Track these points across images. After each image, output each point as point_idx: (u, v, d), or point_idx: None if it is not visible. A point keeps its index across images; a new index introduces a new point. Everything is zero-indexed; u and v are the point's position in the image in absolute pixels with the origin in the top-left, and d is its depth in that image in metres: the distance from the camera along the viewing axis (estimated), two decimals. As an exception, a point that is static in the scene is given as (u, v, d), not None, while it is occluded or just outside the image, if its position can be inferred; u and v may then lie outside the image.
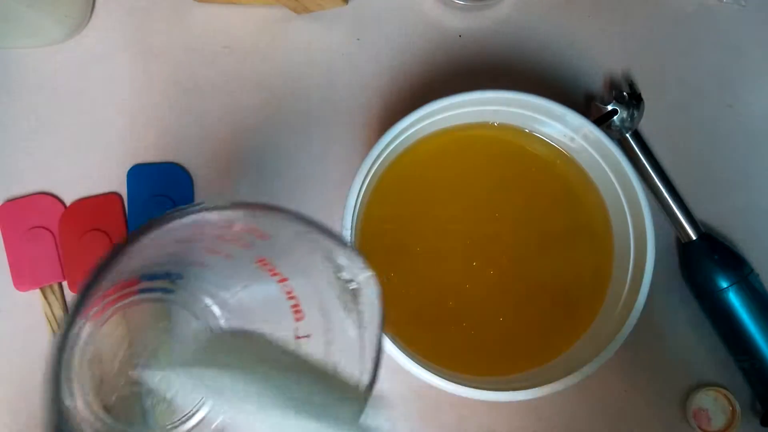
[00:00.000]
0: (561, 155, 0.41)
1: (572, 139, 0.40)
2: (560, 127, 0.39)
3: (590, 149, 0.39)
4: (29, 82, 0.46)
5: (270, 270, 0.25)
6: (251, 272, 0.26)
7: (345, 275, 0.22)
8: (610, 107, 0.43)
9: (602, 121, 0.43)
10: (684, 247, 0.43)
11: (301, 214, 0.21)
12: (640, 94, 0.43)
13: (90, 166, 0.45)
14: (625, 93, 0.43)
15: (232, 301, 0.28)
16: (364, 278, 0.22)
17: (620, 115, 0.43)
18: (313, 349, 0.24)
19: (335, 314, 0.23)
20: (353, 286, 0.22)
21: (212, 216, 0.20)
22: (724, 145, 0.45)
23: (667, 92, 0.46)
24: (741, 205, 0.45)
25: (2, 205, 0.45)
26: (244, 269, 0.26)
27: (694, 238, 0.42)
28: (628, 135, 0.43)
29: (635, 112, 0.43)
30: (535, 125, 0.40)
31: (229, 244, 0.24)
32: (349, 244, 0.22)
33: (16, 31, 0.44)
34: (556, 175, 0.41)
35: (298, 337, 0.25)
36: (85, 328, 0.29)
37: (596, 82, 0.46)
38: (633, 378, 0.43)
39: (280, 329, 0.25)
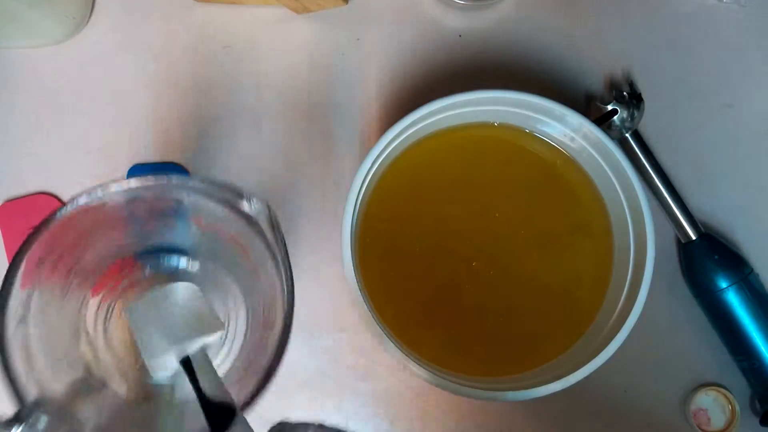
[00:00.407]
0: (561, 155, 0.41)
1: (572, 139, 0.40)
2: (560, 127, 0.39)
3: (590, 149, 0.39)
4: (29, 82, 0.46)
5: (207, 226, 0.30)
6: (194, 232, 0.31)
7: (246, 212, 0.26)
8: (610, 107, 0.43)
9: (602, 120, 0.43)
10: (684, 247, 0.43)
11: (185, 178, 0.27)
12: (640, 94, 0.43)
13: (90, 166, 0.45)
14: (625, 93, 0.43)
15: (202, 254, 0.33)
16: (257, 211, 0.26)
17: (620, 115, 0.43)
18: (263, 282, 0.28)
19: (260, 252, 0.27)
20: (257, 220, 0.26)
21: (118, 196, 0.26)
22: (724, 145, 0.45)
23: (667, 92, 0.46)
24: (741, 205, 0.45)
25: (2, 205, 0.45)
26: (187, 230, 0.31)
27: (694, 238, 0.42)
28: (628, 135, 0.43)
29: (635, 112, 0.43)
30: (535, 125, 0.40)
31: (159, 215, 0.29)
32: (241, 191, 0.26)
33: (16, 31, 0.44)
34: (556, 175, 0.41)
35: (252, 273, 0.29)
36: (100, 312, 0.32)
37: (596, 82, 0.46)
38: (633, 378, 0.43)
39: (242, 267, 0.30)
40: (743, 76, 0.46)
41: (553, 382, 0.35)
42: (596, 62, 0.46)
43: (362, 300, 0.35)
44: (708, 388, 0.42)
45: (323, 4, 0.45)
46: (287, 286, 0.26)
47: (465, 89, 0.37)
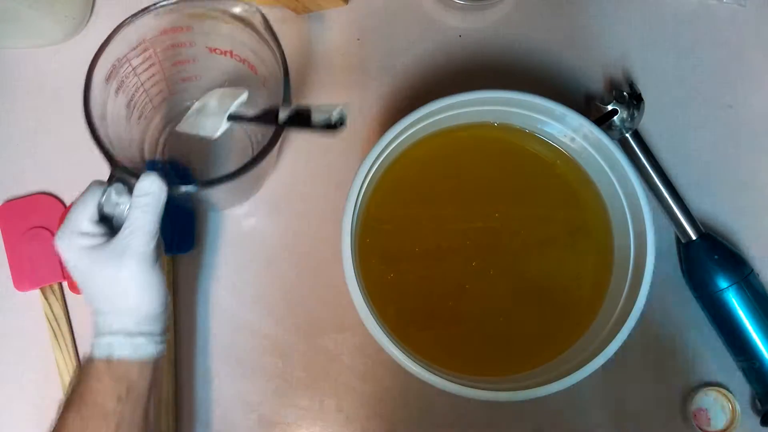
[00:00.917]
0: (561, 155, 0.41)
1: (572, 140, 0.40)
2: (560, 127, 0.39)
3: (590, 149, 0.39)
4: (29, 82, 0.46)
5: (220, 52, 0.38)
6: (211, 61, 0.39)
7: (242, 15, 0.35)
8: (610, 107, 0.43)
9: (603, 120, 0.43)
10: (684, 247, 0.43)
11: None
12: (640, 94, 0.43)
13: (90, 166, 0.45)
14: (625, 93, 0.43)
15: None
16: (251, 12, 0.34)
17: (620, 115, 0.43)
18: (269, 86, 0.37)
19: (262, 51, 0.36)
20: (253, 21, 0.35)
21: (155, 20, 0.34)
22: (724, 145, 0.45)
23: (667, 92, 0.46)
24: (741, 205, 0.45)
25: (2, 205, 0.45)
26: (205, 62, 0.39)
27: (694, 237, 0.42)
28: (628, 135, 0.43)
29: (635, 112, 0.43)
30: (535, 125, 0.40)
31: (182, 48, 0.38)
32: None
33: (16, 31, 0.44)
34: (556, 175, 0.41)
35: (263, 84, 0.38)
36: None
37: (596, 82, 0.46)
38: (633, 378, 0.43)
39: (252, 86, 0.38)
40: (743, 76, 0.46)
41: (553, 382, 0.35)
42: (596, 62, 0.46)
43: (362, 300, 0.35)
44: (708, 388, 0.42)
45: (323, 4, 0.45)
46: (280, 58, 0.35)
47: (465, 89, 0.37)
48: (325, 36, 0.46)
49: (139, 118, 0.39)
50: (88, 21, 0.47)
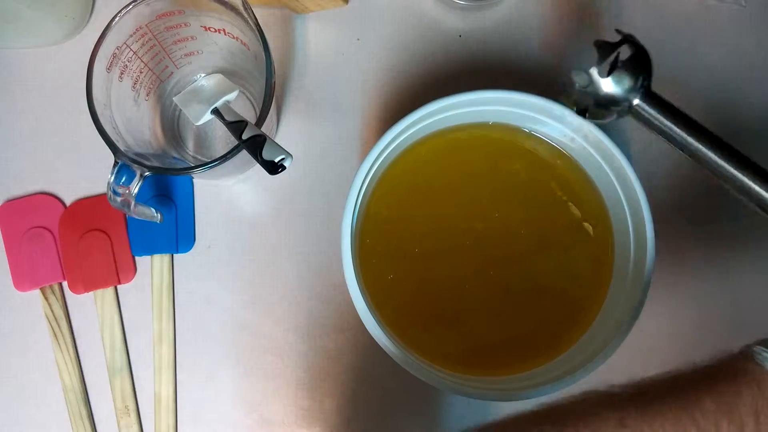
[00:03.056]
0: (561, 155, 0.41)
1: (572, 139, 0.40)
2: (560, 127, 0.39)
3: (590, 149, 0.39)
4: (29, 82, 0.46)
5: (214, 30, 0.39)
6: (207, 38, 0.40)
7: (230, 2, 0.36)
8: (578, 80, 0.34)
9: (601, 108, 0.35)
10: None
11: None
12: (634, 42, 0.34)
13: (90, 166, 0.45)
14: (614, 56, 0.34)
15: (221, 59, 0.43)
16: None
17: (618, 87, 0.35)
18: (260, 60, 0.37)
19: (248, 30, 0.37)
20: (232, 2, 0.36)
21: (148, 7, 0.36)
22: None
23: (666, 92, 0.46)
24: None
25: (2, 205, 0.45)
26: (203, 39, 0.40)
27: None
28: (638, 102, 0.35)
29: (638, 71, 0.34)
30: (535, 125, 0.40)
31: (178, 29, 0.39)
32: None
33: (16, 31, 0.44)
34: (556, 175, 0.41)
35: (255, 58, 0.39)
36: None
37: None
38: (633, 378, 0.43)
39: (247, 60, 0.40)
40: (743, 76, 0.46)
41: (553, 382, 0.35)
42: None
43: (362, 300, 0.35)
44: (708, 388, 0.42)
45: (323, 4, 0.45)
46: (262, 40, 0.35)
47: (465, 89, 0.37)
48: (325, 36, 0.46)
49: (148, 94, 0.41)
50: (88, 21, 0.47)
